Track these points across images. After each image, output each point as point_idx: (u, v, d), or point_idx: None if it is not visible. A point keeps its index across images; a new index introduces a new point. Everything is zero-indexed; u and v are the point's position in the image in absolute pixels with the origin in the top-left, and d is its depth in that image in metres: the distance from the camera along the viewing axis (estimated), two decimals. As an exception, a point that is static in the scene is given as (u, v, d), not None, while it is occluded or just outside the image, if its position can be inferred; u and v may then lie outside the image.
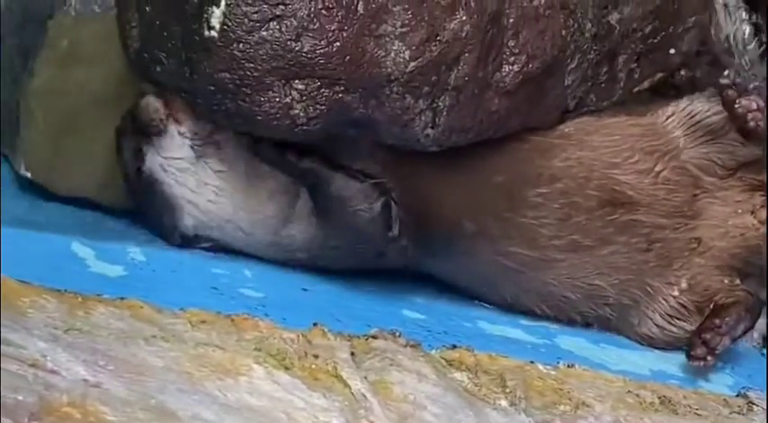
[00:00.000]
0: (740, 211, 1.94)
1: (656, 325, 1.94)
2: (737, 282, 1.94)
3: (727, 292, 1.92)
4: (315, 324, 1.73)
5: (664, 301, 1.93)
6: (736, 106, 1.89)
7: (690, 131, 1.94)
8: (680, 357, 1.93)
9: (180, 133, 1.86)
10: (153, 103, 1.85)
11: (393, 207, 1.84)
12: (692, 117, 1.94)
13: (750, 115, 1.89)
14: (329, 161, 1.83)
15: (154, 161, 1.87)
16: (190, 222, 1.89)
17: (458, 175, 1.86)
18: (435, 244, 1.89)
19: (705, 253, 1.93)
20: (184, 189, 1.88)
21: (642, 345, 1.97)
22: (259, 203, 1.89)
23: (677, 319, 1.94)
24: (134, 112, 1.88)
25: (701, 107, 1.95)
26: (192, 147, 1.87)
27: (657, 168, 1.90)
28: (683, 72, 2.04)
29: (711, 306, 1.91)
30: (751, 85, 2.07)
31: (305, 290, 1.89)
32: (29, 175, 1.97)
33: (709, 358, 1.86)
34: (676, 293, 1.93)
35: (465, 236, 1.88)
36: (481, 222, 1.87)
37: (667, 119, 1.94)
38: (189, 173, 1.87)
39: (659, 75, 1.99)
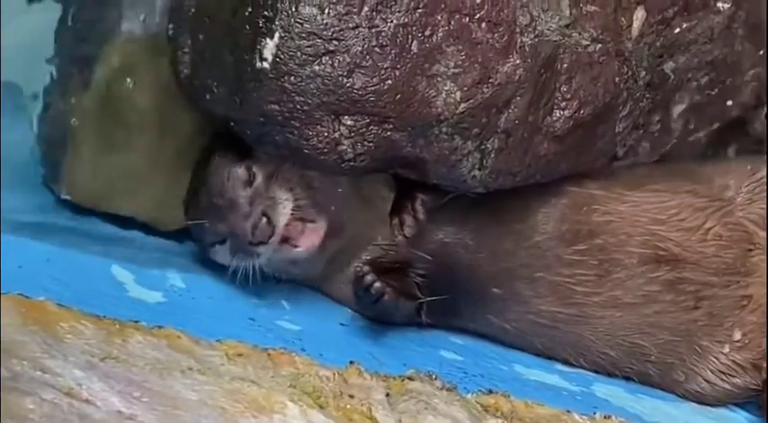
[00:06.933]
0: None
1: (706, 381, 1.92)
2: None
3: None
4: (351, 362, 1.71)
5: (715, 359, 1.90)
6: None
7: (750, 188, 1.92)
8: (714, 411, 1.92)
9: None
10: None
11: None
12: (754, 174, 1.92)
13: None
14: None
15: None
16: None
17: (490, 241, 1.86)
18: (463, 310, 1.89)
19: (756, 310, 1.90)
20: None
21: (687, 400, 1.94)
22: None
23: (730, 375, 1.91)
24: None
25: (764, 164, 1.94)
26: None
27: (707, 225, 1.88)
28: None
29: None
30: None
31: (342, 324, 1.88)
32: (69, 197, 1.97)
33: None
34: (727, 351, 1.90)
35: (493, 300, 1.87)
36: (510, 287, 1.86)
37: (726, 176, 1.93)
38: None
39: (716, 126, 1.96)
